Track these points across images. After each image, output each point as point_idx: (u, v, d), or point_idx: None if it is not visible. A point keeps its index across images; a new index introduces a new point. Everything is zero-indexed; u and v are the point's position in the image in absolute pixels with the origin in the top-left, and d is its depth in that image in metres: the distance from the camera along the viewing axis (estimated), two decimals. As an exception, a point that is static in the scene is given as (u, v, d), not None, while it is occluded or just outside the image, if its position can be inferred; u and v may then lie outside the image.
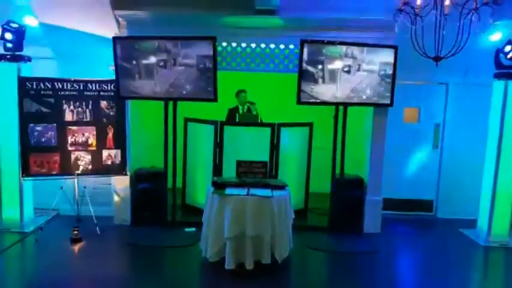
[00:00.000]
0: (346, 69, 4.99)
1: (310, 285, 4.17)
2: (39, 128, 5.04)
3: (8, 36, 4.79)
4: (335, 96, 5.03)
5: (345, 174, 5.38)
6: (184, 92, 4.96)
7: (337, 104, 5.14)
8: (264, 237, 4.13)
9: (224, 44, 5.26)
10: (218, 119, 5.50)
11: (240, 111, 5.90)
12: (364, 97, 5.10)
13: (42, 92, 5.02)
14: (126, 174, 5.37)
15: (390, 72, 5.08)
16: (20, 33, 4.87)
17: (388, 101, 5.19)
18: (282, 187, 4.49)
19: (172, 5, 4.96)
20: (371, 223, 5.47)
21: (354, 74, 5.02)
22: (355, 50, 4.97)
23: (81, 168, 5.21)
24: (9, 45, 4.83)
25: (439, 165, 6.18)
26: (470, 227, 5.58)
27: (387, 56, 5.04)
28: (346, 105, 5.15)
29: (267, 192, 4.28)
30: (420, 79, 5.96)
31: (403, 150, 6.11)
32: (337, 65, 4.95)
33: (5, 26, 4.81)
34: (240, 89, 5.98)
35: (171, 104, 5.09)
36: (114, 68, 4.97)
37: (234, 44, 5.28)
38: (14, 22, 4.85)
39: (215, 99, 4.97)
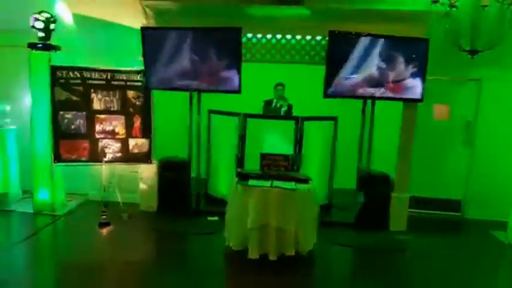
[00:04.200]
0: (374, 61, 4.86)
1: (334, 279, 4.17)
2: (69, 116, 5.18)
3: (39, 25, 4.94)
4: (363, 89, 4.92)
5: (371, 170, 5.28)
6: (208, 84, 4.99)
7: (364, 98, 5.02)
8: (287, 229, 4.14)
9: (249, 35, 5.22)
10: (251, 111, 5.48)
11: (273, 105, 5.83)
12: (392, 92, 4.96)
13: (71, 81, 5.15)
14: (151, 163, 5.47)
15: (421, 66, 4.91)
16: (51, 23, 5.01)
17: (418, 96, 5.03)
18: (305, 180, 4.46)
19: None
20: (397, 221, 5.34)
21: (383, 67, 4.89)
22: (385, 42, 4.83)
23: (109, 155, 5.34)
24: (41, 34, 4.97)
25: (469, 163, 5.94)
26: (500, 229, 5.36)
27: (418, 49, 4.87)
28: (374, 99, 5.03)
29: (290, 184, 4.28)
30: (452, 74, 5.69)
31: (432, 148, 5.90)
32: (366, 57, 4.83)
33: (36, 16, 4.97)
34: (278, 83, 5.83)
35: (195, 95, 5.13)
36: (141, 58, 5.04)
37: (259, 35, 5.24)
38: (45, 12, 5.00)
39: (239, 91, 4.98)
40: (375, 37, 4.81)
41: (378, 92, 4.96)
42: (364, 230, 5.23)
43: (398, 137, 5.31)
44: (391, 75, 4.95)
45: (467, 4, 4.61)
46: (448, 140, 5.97)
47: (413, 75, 4.95)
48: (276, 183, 4.28)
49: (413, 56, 4.89)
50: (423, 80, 4.97)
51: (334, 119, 5.55)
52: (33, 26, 4.96)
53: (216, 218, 5.29)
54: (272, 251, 4.16)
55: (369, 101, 5.05)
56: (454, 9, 4.54)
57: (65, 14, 5.30)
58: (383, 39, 4.83)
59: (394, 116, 5.35)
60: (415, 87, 4.99)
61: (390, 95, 4.99)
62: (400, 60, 4.91)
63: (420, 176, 5.63)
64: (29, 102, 5.26)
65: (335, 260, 4.66)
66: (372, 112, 5.06)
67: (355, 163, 5.26)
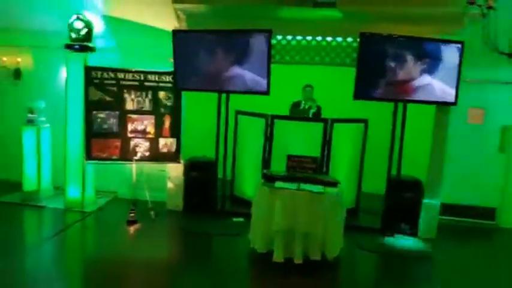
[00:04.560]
0: (406, 63, 4.76)
1: (360, 286, 4.08)
2: (102, 115, 5.31)
3: (79, 25, 5.13)
4: (394, 92, 4.83)
5: (402, 174, 5.15)
6: (237, 85, 5.01)
7: (396, 101, 4.93)
8: (314, 234, 4.10)
9: (279, 37, 5.22)
10: (279, 112, 5.47)
11: (302, 107, 5.79)
12: (425, 94, 4.85)
13: (105, 81, 5.28)
14: (179, 162, 5.54)
15: (455, 69, 4.78)
16: (88, 25, 5.19)
17: (451, 100, 4.88)
18: (334, 184, 4.40)
19: (230, -2, 5.02)
20: (426, 227, 5.19)
21: (415, 69, 4.78)
22: (417, 44, 4.72)
23: (139, 154, 5.44)
24: (80, 36, 5.15)
25: (505, 170, 5.72)
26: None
27: (452, 51, 4.74)
28: (405, 102, 4.93)
29: (318, 188, 4.22)
30: (487, 77, 5.51)
31: (465, 153, 5.70)
32: (397, 59, 4.74)
33: (79, 15, 5.15)
34: (306, 84, 5.80)
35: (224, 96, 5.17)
36: (172, 60, 5.13)
37: (289, 37, 5.23)
38: (82, 14, 5.17)
39: (267, 93, 4.97)
40: (407, 39, 4.70)
41: (409, 94, 4.86)
42: (391, 236, 5.09)
43: (430, 140, 5.18)
44: (424, 78, 4.83)
45: (505, 5, 4.47)
46: (482, 145, 5.76)
47: (447, 78, 4.82)
48: (303, 185, 4.24)
49: (447, 58, 4.76)
50: (457, 83, 4.82)
51: (364, 121, 5.47)
52: (71, 25, 5.12)
53: (241, 220, 5.29)
54: (297, 255, 4.12)
55: (400, 104, 4.94)
56: (492, 10, 4.41)
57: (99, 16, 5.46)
58: (415, 41, 4.72)
59: (426, 119, 5.22)
60: (447, 90, 4.85)
61: (421, 97, 4.87)
62: (433, 62, 4.79)
63: (452, 181, 5.47)
64: (64, 101, 5.41)
65: (361, 265, 4.57)
66: (403, 115, 4.95)
67: (385, 167, 5.15)
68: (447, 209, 5.58)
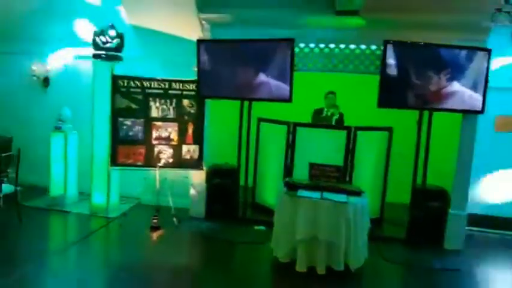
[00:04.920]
0: (431, 71, 4.70)
1: (383, 297, 4.00)
2: (128, 123, 5.44)
3: (113, 32, 5.29)
4: (419, 100, 4.76)
5: (427, 184, 5.06)
6: (260, 93, 5.05)
7: (421, 109, 4.85)
8: (337, 244, 4.04)
9: (301, 45, 5.24)
10: (301, 119, 5.47)
11: (324, 114, 5.77)
12: (451, 102, 4.76)
13: (131, 89, 5.42)
14: (202, 169, 5.59)
15: (482, 77, 4.68)
16: (115, 36, 5.35)
17: (478, 108, 4.78)
18: (358, 193, 4.34)
19: (253, 7, 5.05)
20: (453, 239, 5.05)
21: (440, 77, 4.71)
22: (442, 51, 4.65)
23: (162, 161, 5.52)
24: (108, 45, 5.30)
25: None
26: None
27: (479, 59, 4.64)
28: (431, 110, 4.84)
29: (342, 197, 4.16)
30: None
31: (493, 162, 5.56)
32: (422, 67, 4.67)
33: (102, 29, 5.30)
34: (329, 91, 5.79)
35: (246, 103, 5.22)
36: (196, 69, 5.21)
37: (311, 45, 5.24)
38: (110, 25, 5.32)
39: (290, 100, 5.00)
40: (432, 46, 4.65)
41: (434, 103, 4.78)
42: (417, 247, 5.00)
43: (455, 149, 5.06)
44: (449, 85, 4.75)
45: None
46: (510, 154, 5.59)
47: (473, 86, 4.73)
48: (327, 194, 4.20)
49: (474, 66, 4.67)
50: (484, 91, 4.72)
51: (388, 129, 5.38)
52: (99, 35, 5.27)
53: (262, 228, 5.28)
54: (320, 265, 4.07)
55: (426, 112, 4.86)
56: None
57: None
58: (441, 48, 4.66)
59: (453, 127, 5.11)
60: (474, 98, 4.75)
61: (447, 105, 4.79)
62: (459, 70, 4.70)
63: (480, 191, 5.33)
64: (91, 108, 5.55)
65: (385, 277, 4.46)
66: (428, 123, 4.86)
67: (410, 176, 5.06)
68: (475, 219, 5.42)
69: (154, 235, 5.06)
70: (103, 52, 5.37)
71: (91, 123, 5.54)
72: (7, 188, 4.96)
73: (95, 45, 5.36)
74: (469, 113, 4.86)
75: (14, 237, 4.81)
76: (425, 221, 5.08)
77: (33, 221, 5.26)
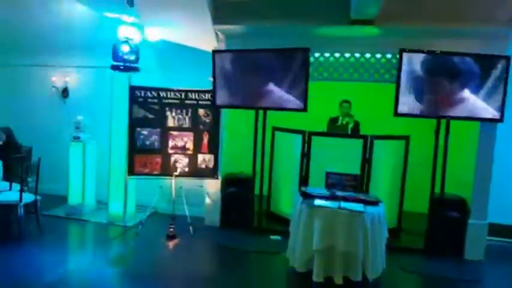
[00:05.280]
0: (448, 79, 4.65)
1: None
2: (144, 132, 5.51)
3: (125, 47, 5.39)
4: (435, 109, 4.72)
5: (445, 193, 4.98)
6: (275, 102, 5.07)
7: (438, 118, 4.80)
8: (354, 254, 3.98)
9: (317, 54, 5.26)
10: (316, 128, 5.45)
11: (339, 122, 5.75)
12: (469, 111, 4.70)
13: (148, 100, 5.50)
14: (217, 178, 5.62)
15: (500, 85, 4.61)
16: (133, 47, 5.46)
17: (497, 116, 4.71)
18: (376, 203, 4.29)
19: (267, 18, 5.11)
20: (473, 249, 4.96)
21: (457, 85, 4.66)
22: (459, 60, 4.60)
23: (178, 170, 5.57)
24: (126, 57, 5.40)
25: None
26: None
27: (497, 66, 4.58)
28: (449, 118, 4.79)
29: (359, 206, 4.12)
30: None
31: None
32: (439, 75, 4.63)
33: (119, 41, 5.41)
34: (344, 100, 5.76)
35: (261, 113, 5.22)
36: (212, 79, 5.27)
37: (326, 54, 5.25)
38: (127, 37, 5.43)
39: (305, 110, 4.99)
40: (448, 55, 4.61)
41: (452, 111, 4.73)
42: (436, 257, 4.92)
43: (473, 157, 4.98)
44: (467, 94, 4.69)
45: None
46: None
47: (491, 94, 4.66)
48: (344, 204, 4.16)
49: (492, 74, 4.61)
50: (503, 99, 4.65)
51: (405, 138, 5.31)
52: (117, 46, 5.39)
53: (278, 238, 5.26)
54: (338, 275, 4.02)
55: (443, 120, 4.81)
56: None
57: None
58: (457, 57, 4.61)
59: (472, 135, 5.04)
60: (492, 106, 4.68)
61: (465, 114, 4.73)
62: (477, 78, 4.64)
63: (500, 201, 5.21)
64: (108, 118, 5.65)
65: (403, 287, 4.40)
66: (446, 132, 4.80)
67: (427, 185, 4.99)
68: (495, 229, 5.29)
69: (171, 244, 5.10)
70: (121, 63, 5.46)
71: (109, 133, 5.64)
72: (27, 197, 5.06)
73: (113, 56, 5.45)
74: (488, 121, 4.79)
75: (34, 245, 4.89)
76: (444, 230, 4.99)
77: (52, 229, 5.35)
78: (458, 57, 4.61)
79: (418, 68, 4.65)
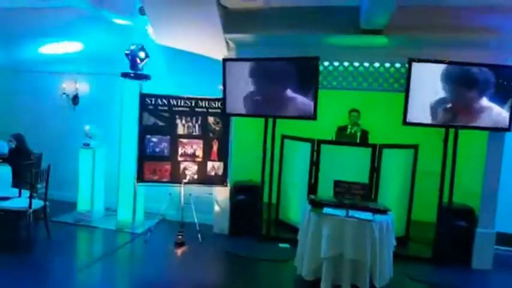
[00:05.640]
0: (457, 89, 4.68)
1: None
2: (154, 140, 5.55)
3: (135, 54, 5.47)
4: (444, 118, 4.75)
5: (454, 202, 4.99)
6: (284, 110, 5.11)
7: (447, 127, 4.83)
8: (362, 262, 3.99)
9: (326, 63, 5.31)
10: (325, 136, 5.49)
11: (348, 131, 5.81)
12: (477, 120, 4.74)
13: (159, 107, 5.54)
14: (226, 186, 5.64)
15: (509, 93, 4.65)
16: (144, 55, 5.54)
17: (505, 125, 4.74)
18: (384, 211, 4.31)
19: (278, 27, 5.16)
20: (481, 258, 4.97)
21: (466, 95, 4.69)
22: (468, 69, 4.63)
23: (187, 177, 5.59)
24: (136, 64, 5.47)
25: None
26: None
27: (506, 76, 4.62)
28: (457, 128, 4.82)
29: (367, 215, 4.13)
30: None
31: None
32: (448, 84, 4.67)
33: (131, 48, 5.47)
34: (353, 109, 5.86)
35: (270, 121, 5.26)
36: (222, 87, 5.32)
37: (336, 63, 5.30)
38: (138, 44, 5.49)
39: (314, 118, 5.03)
40: (457, 64, 4.66)
41: (461, 120, 4.76)
42: (444, 266, 4.93)
43: (481, 166, 5.00)
44: (475, 103, 4.73)
45: None
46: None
47: (501, 103, 4.69)
48: (352, 212, 4.19)
49: (500, 83, 4.65)
50: (511, 108, 4.68)
51: (414, 147, 5.34)
52: (128, 54, 5.44)
53: (287, 246, 5.27)
54: (345, 283, 4.03)
55: (452, 129, 4.84)
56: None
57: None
58: (466, 66, 4.66)
59: (480, 144, 5.06)
60: (502, 115, 4.72)
61: (473, 123, 4.76)
62: (486, 87, 4.68)
63: (507, 209, 5.21)
64: (118, 125, 5.70)
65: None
66: (454, 141, 4.83)
67: (435, 194, 5.01)
68: (504, 238, 5.30)
69: (179, 251, 5.11)
70: (132, 71, 5.53)
71: (119, 140, 5.68)
72: (36, 203, 5.09)
73: (124, 64, 5.51)
74: (496, 131, 4.82)
75: (42, 252, 4.92)
76: (452, 239, 5.00)
77: (61, 236, 5.38)
78: (468, 67, 4.64)
79: (427, 77, 4.69)
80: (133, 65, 5.49)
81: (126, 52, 5.50)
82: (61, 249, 5.02)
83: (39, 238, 5.17)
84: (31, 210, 4.95)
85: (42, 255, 4.84)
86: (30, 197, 4.95)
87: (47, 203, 5.25)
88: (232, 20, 5.21)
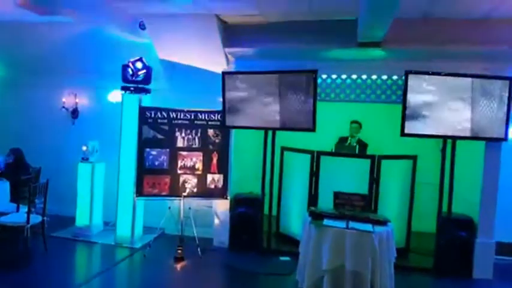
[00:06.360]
0: (453, 100, 4.76)
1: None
2: (154, 153, 5.54)
3: (135, 68, 5.49)
4: (442, 128, 4.81)
5: (453, 213, 5.02)
6: (284, 122, 5.15)
7: (444, 137, 4.89)
8: (363, 274, 3.96)
9: (324, 76, 5.38)
10: (324, 148, 5.52)
11: (347, 142, 5.86)
12: (474, 130, 4.80)
13: (158, 120, 5.54)
14: (226, 198, 5.62)
15: (504, 105, 4.73)
16: (143, 68, 5.55)
17: (501, 135, 4.81)
18: (384, 223, 4.30)
19: (276, 41, 5.26)
20: (481, 268, 4.97)
21: (462, 105, 4.76)
22: (463, 81, 4.73)
23: (187, 190, 5.57)
24: (136, 78, 5.49)
25: None
26: None
27: (500, 87, 4.71)
28: (454, 138, 4.88)
29: (367, 226, 4.12)
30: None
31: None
32: (443, 95, 4.75)
33: (131, 62, 5.51)
34: (353, 120, 5.93)
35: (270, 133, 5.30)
36: (221, 99, 5.35)
37: (334, 76, 5.38)
38: (138, 58, 5.52)
39: (313, 130, 5.07)
40: (453, 76, 4.74)
41: (458, 131, 4.82)
42: (445, 277, 4.91)
43: (479, 176, 5.04)
44: (471, 114, 4.80)
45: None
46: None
47: (496, 114, 4.77)
48: (352, 224, 4.18)
49: (496, 94, 4.73)
50: (507, 119, 4.76)
51: (413, 157, 5.37)
52: (128, 68, 5.47)
53: (288, 259, 5.24)
54: (347, 295, 4.01)
55: (449, 140, 4.90)
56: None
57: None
58: (462, 78, 4.74)
59: (477, 155, 5.11)
60: (498, 125, 4.79)
61: (470, 133, 4.82)
62: (481, 98, 4.76)
63: (506, 219, 5.23)
64: (117, 139, 5.67)
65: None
66: (452, 151, 4.88)
67: (435, 204, 5.03)
68: (504, 248, 5.31)
69: (179, 266, 5.06)
70: (132, 85, 5.56)
71: (118, 154, 5.66)
72: (34, 218, 5.04)
73: (124, 77, 5.55)
74: (493, 141, 4.89)
75: (40, 267, 4.85)
76: (453, 250, 5.00)
77: (59, 251, 5.31)
78: (464, 78, 4.72)
79: (422, 88, 4.76)
80: (130, 76, 5.50)
81: (124, 64, 5.53)
82: (59, 264, 4.95)
83: (37, 253, 5.10)
84: (29, 226, 4.90)
85: (40, 271, 4.77)
86: (28, 212, 4.90)
87: (46, 218, 5.20)
88: (231, 34, 5.31)
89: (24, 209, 5.00)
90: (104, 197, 6.10)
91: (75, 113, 6.70)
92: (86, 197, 5.89)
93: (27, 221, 4.87)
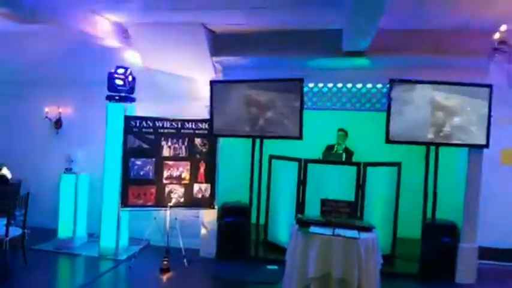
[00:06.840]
0: (435, 107, 4.87)
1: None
2: (139, 162, 5.44)
3: (120, 77, 5.42)
4: (426, 136, 4.91)
5: (437, 218, 5.09)
6: (271, 131, 5.16)
7: (428, 144, 4.99)
8: (350, 281, 3.97)
9: (310, 84, 5.43)
10: (311, 155, 5.54)
11: (334, 150, 5.92)
12: (457, 138, 4.91)
13: (144, 130, 5.46)
14: (214, 208, 5.57)
15: (485, 112, 4.86)
16: (128, 78, 5.49)
17: (483, 142, 4.94)
18: (369, 229, 4.34)
19: (263, 50, 5.30)
20: (465, 272, 5.06)
21: (443, 113, 4.88)
22: (446, 88, 4.85)
23: (173, 200, 5.49)
24: (121, 87, 5.43)
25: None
26: None
27: (481, 94, 4.85)
28: (437, 145, 4.98)
29: (353, 233, 4.14)
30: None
31: (501, 195, 5.59)
32: (426, 103, 4.85)
33: (115, 72, 5.45)
34: (339, 128, 6.01)
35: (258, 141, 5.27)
36: (209, 108, 5.33)
37: (320, 85, 5.44)
38: (123, 67, 5.46)
39: (300, 137, 5.09)
40: (435, 84, 4.86)
41: (441, 137, 4.92)
42: (429, 282, 4.97)
43: (463, 182, 5.15)
44: (453, 121, 4.92)
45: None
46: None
47: (477, 120, 4.90)
48: (338, 231, 4.19)
49: (477, 101, 4.86)
50: (488, 125, 4.89)
51: (397, 164, 5.44)
52: (112, 77, 5.40)
53: (275, 267, 5.20)
54: (334, 304, 4.00)
55: (433, 147, 5.00)
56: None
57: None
58: (444, 86, 4.86)
59: (459, 161, 5.23)
60: (479, 132, 4.91)
61: (453, 140, 4.93)
62: (463, 105, 4.89)
63: (490, 224, 5.35)
64: (102, 149, 5.57)
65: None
66: (435, 158, 4.98)
67: (419, 210, 5.11)
68: (486, 253, 5.41)
69: (164, 278, 4.97)
70: (116, 94, 5.48)
71: (103, 164, 5.55)
72: (14, 230, 4.88)
73: (108, 87, 5.47)
74: (475, 148, 5.01)
75: (19, 282, 4.68)
76: (437, 255, 5.07)
77: (41, 264, 5.16)
78: (445, 86, 4.83)
79: (406, 96, 4.86)
80: (115, 86, 5.43)
81: (109, 73, 5.45)
82: (40, 278, 4.80)
83: (16, 267, 4.94)
84: (7, 239, 4.74)
85: (19, 285, 4.60)
86: (7, 225, 4.74)
87: (27, 230, 5.05)
88: (219, 44, 5.33)
89: (3, 221, 4.83)
90: (88, 208, 5.97)
91: (58, 123, 6.55)
92: (69, 208, 5.75)
93: (6, 234, 4.71)
